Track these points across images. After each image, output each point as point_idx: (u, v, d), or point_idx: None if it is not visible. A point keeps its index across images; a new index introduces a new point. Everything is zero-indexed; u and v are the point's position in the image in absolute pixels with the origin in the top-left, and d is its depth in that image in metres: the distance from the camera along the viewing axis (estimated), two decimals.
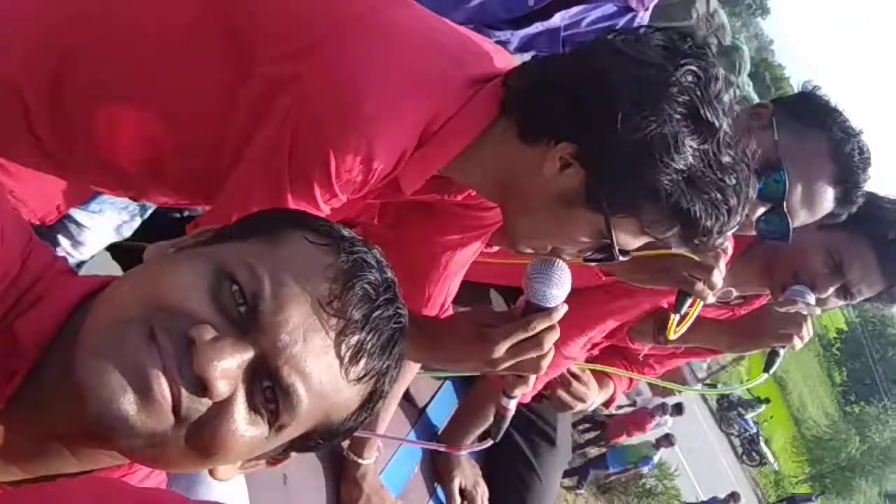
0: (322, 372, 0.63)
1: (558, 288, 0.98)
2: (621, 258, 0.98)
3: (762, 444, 19.88)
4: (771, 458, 20.23)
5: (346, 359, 0.63)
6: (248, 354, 0.61)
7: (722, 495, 11.55)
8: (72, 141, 0.99)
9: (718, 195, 0.90)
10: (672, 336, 1.39)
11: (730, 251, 1.28)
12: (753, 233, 1.35)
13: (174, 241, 0.71)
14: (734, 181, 0.91)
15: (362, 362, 0.64)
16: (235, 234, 0.68)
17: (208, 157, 0.98)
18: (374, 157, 0.90)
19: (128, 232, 1.33)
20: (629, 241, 0.96)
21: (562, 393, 1.63)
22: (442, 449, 1.51)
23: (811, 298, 1.44)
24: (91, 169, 1.04)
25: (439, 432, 1.69)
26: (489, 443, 1.19)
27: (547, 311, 0.99)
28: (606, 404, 1.82)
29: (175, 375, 0.59)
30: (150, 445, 0.60)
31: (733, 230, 0.97)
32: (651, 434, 9.54)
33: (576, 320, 1.52)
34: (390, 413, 1.39)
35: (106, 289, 0.66)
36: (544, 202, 0.96)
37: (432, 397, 1.72)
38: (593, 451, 9.58)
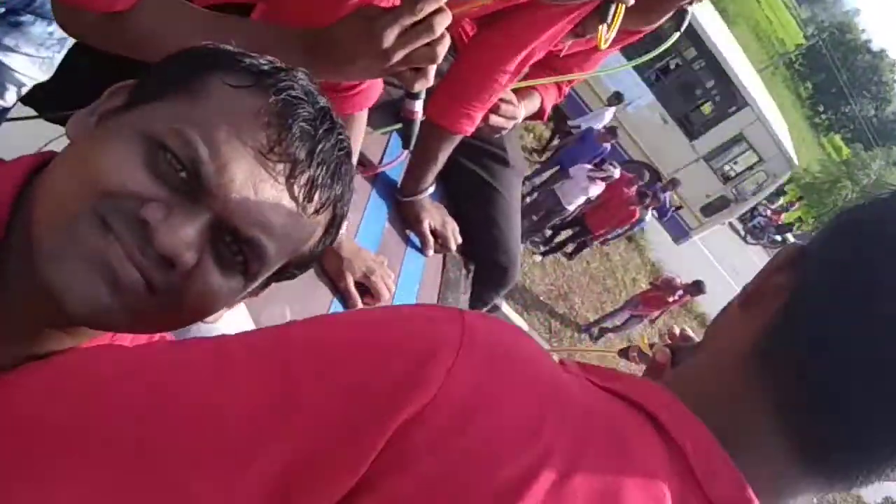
0: (280, 217, 0.63)
1: None
2: None
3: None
4: None
5: (301, 198, 0.64)
6: (204, 219, 0.60)
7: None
8: None
9: None
10: (603, 46, 1.40)
11: None
12: None
13: (91, 109, 0.68)
14: None
15: (316, 196, 0.65)
16: (151, 93, 0.64)
17: None
18: None
19: (43, 75, 1.27)
20: None
21: (492, 117, 1.63)
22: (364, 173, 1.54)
23: None
24: None
25: (399, 184, 1.71)
26: (404, 153, 1.23)
27: None
28: (539, 116, 1.82)
29: (139, 258, 0.59)
30: (136, 323, 0.62)
31: None
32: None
33: (504, 43, 1.50)
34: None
35: (43, 174, 0.63)
36: None
37: (383, 154, 1.73)
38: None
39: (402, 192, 1.69)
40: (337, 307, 1.39)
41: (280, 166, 0.62)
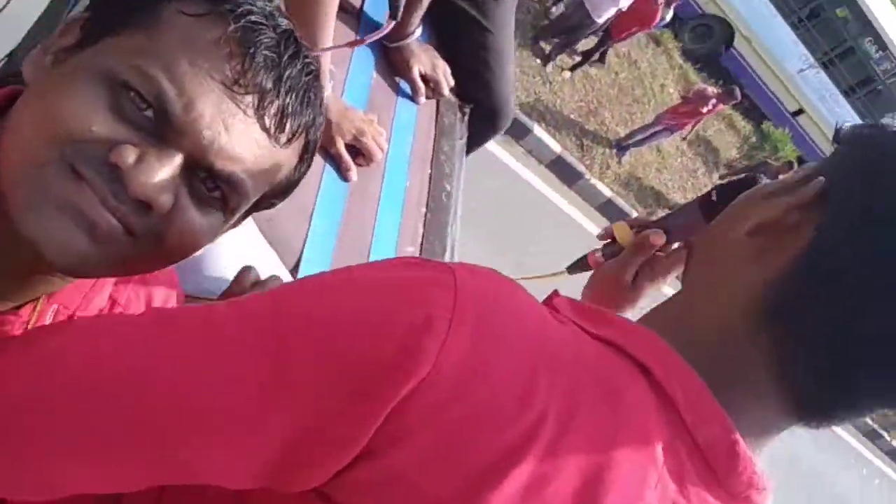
0: (254, 150, 0.62)
1: None
2: None
3: None
4: None
5: (273, 129, 0.63)
6: (177, 160, 0.59)
7: None
8: None
9: None
10: None
11: None
12: None
13: (45, 47, 0.63)
14: None
15: (288, 125, 0.64)
16: (105, 29, 0.61)
17: None
18: None
19: None
20: None
21: None
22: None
23: None
24: None
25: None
26: (391, 24, 1.18)
27: None
28: None
29: (114, 204, 0.57)
30: (119, 267, 0.62)
31: None
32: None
33: None
34: (329, 30, 1.29)
35: (8, 117, 0.60)
36: None
37: (362, 2, 1.61)
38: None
39: (387, 37, 1.58)
40: (330, 173, 1.35)
41: (248, 98, 0.60)
